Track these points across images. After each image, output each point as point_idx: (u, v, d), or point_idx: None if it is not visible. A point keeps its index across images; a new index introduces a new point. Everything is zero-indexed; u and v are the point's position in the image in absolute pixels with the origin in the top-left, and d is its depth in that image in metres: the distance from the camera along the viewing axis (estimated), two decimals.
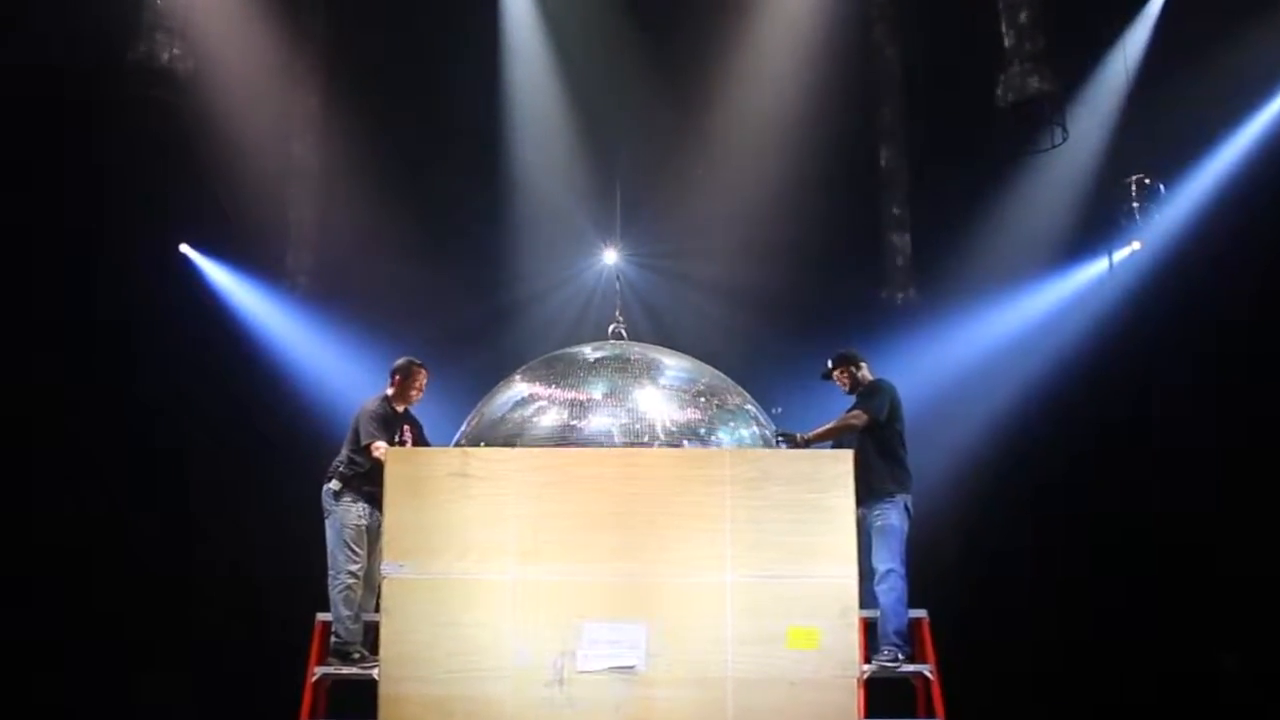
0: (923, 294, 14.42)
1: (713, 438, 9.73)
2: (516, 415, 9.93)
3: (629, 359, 10.29)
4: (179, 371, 13.29)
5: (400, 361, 10.15)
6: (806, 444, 9.72)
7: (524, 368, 10.55)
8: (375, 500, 9.40)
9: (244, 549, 13.01)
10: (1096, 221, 14.02)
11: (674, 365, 10.42)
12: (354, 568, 9.56)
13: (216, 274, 14.32)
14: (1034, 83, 12.40)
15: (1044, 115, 12.68)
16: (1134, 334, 13.35)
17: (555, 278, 14.67)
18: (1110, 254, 14.17)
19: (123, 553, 12.80)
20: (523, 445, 9.55)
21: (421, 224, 14.21)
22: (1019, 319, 14.17)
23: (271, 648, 11.03)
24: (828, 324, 13.28)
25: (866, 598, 9.23)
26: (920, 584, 9.71)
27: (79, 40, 12.57)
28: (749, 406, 10.29)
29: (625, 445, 9.44)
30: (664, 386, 10.04)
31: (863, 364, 10.22)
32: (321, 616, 9.63)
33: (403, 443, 9.86)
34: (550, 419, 9.78)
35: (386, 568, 8.78)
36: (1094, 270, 14.29)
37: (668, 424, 9.71)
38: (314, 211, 14.56)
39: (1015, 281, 14.21)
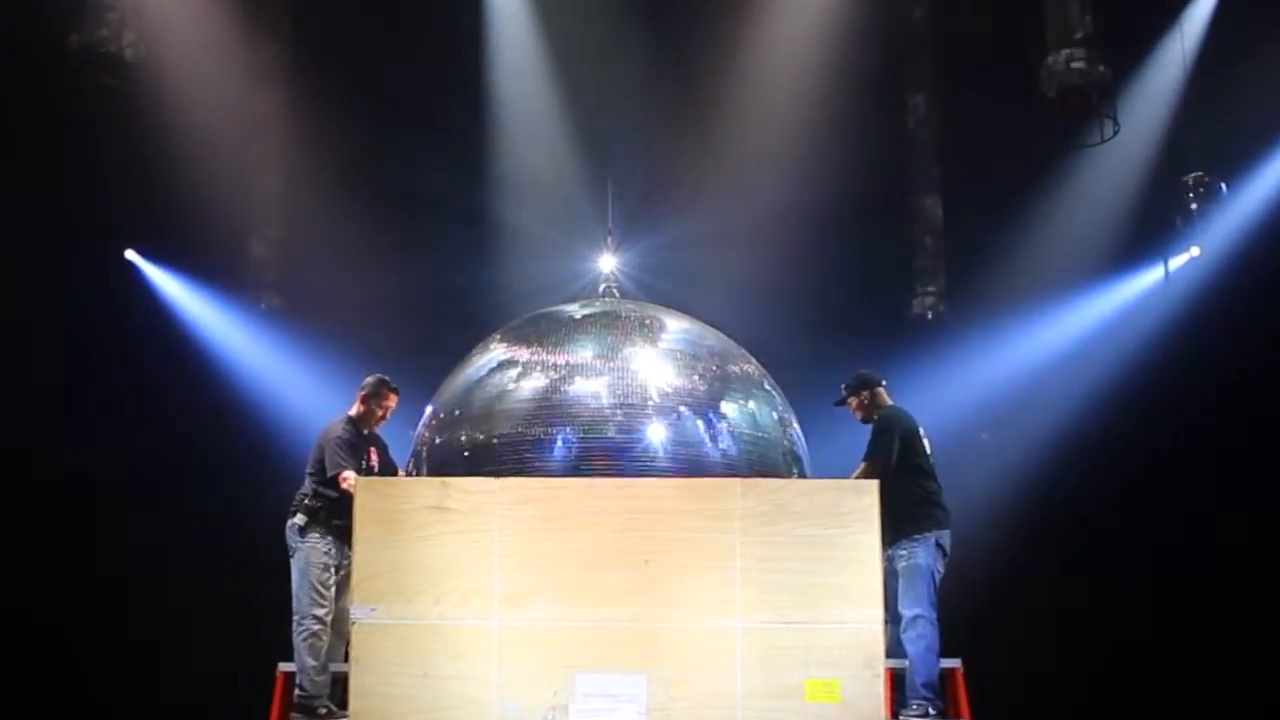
0: (954, 306, 14.42)
1: (717, 407, 9.71)
2: (494, 380, 9.91)
3: (620, 316, 10.27)
4: (122, 393, 13.28)
5: (370, 380, 10.12)
6: None
7: (503, 328, 10.56)
8: (346, 536, 9.34)
9: (196, 591, 12.99)
10: (1151, 224, 14.03)
11: (674, 325, 10.38)
12: (320, 612, 9.50)
13: (166, 283, 14.32)
14: (1081, 69, 12.41)
15: (1092, 105, 12.68)
16: (1193, 351, 13.33)
17: (542, 288, 14.66)
18: (1166, 261, 14.18)
19: (58, 591, 12.79)
20: (501, 412, 9.58)
21: (397, 230, 14.21)
22: (1062, 335, 14.18)
23: (228, 701, 11.01)
24: (848, 340, 13.19)
25: (893, 646, 9.22)
26: (952, 630, 9.69)
27: (15, 21, 12.58)
28: (760, 376, 10.24)
29: (614, 408, 9.45)
30: (662, 348, 10.01)
31: (879, 388, 10.10)
32: (284, 667, 9.58)
33: (370, 468, 9.86)
34: (531, 384, 9.76)
35: (356, 612, 8.75)
36: (1148, 280, 14.31)
37: (664, 388, 9.68)
38: (278, 215, 14.56)
39: (1058, 292, 14.22)
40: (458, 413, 9.82)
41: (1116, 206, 14.16)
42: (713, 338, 10.42)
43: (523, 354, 10.02)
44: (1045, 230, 14.20)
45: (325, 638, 9.50)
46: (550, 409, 9.52)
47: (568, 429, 9.48)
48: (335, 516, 9.54)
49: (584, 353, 9.87)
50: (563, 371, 9.76)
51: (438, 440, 9.92)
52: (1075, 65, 12.37)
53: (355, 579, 8.85)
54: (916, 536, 9.54)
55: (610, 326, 10.13)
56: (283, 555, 9.76)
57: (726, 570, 8.74)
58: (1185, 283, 13.97)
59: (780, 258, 14.18)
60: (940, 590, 9.58)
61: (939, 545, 9.62)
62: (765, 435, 9.86)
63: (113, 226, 13.94)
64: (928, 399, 10.31)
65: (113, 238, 14.10)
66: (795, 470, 10.12)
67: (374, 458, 10.00)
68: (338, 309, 14.08)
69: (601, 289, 11.12)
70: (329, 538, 9.58)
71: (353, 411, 10.02)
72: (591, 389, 9.66)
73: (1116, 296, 14.31)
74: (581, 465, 9.49)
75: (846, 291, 14.14)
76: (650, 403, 9.58)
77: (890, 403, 10.07)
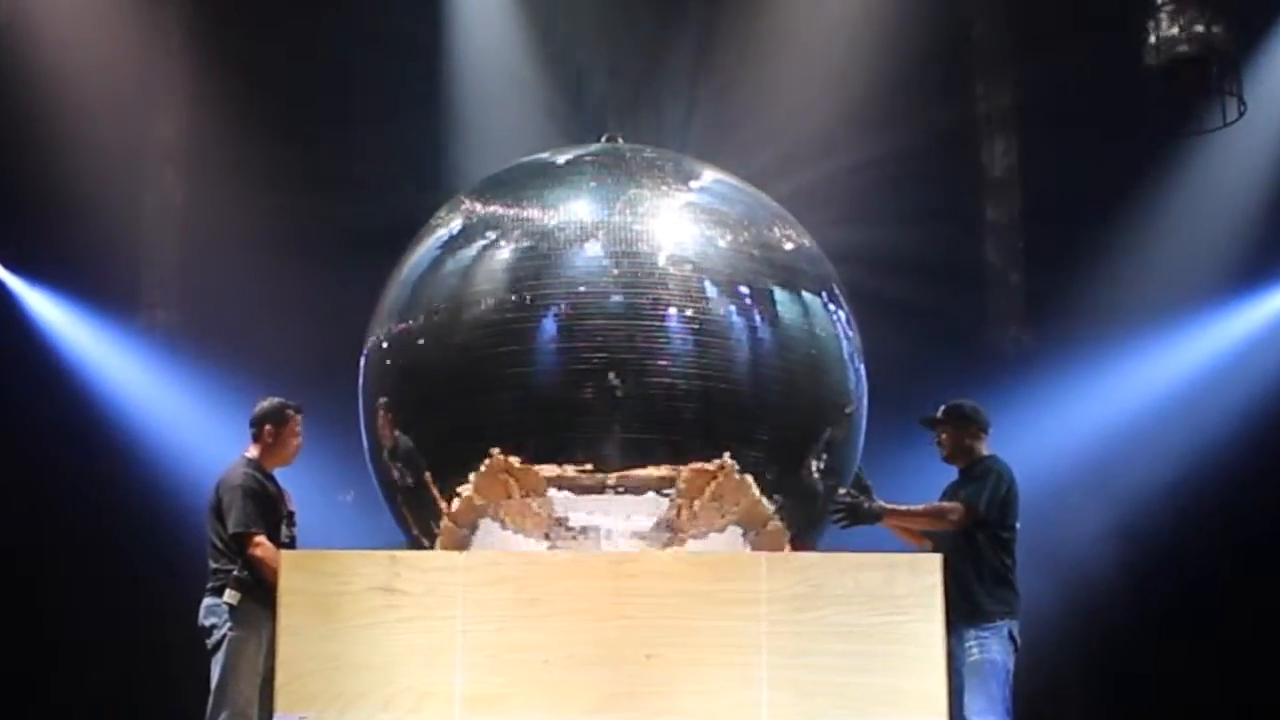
0: (1039, 334, 14.46)
1: (760, 290, 9.43)
2: (459, 256, 9.64)
3: (625, 158, 10.06)
4: None
5: (269, 406, 10.11)
6: (877, 519, 9.73)
7: (477, 182, 10.47)
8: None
9: (78, 677, 13.02)
10: None
11: (704, 175, 10.13)
12: None
13: (40, 304, 14.37)
14: (1198, 35, 12.45)
15: (1212, 81, 12.74)
16: None
17: None
18: None
19: None
20: (469, 296, 9.37)
21: (322, 236, 14.24)
22: (1173, 369, 14.17)
23: None
24: (912, 374, 13.04)
25: None
26: None
27: None
28: (810, 247, 10.09)
29: (617, 259, 9.30)
30: (682, 200, 9.73)
31: (983, 433, 10.27)
32: None
33: (291, 517, 9.83)
34: (506, 255, 9.48)
35: None
36: None
37: (684, 241, 9.41)
38: (178, 220, 14.63)
39: (1168, 317, 14.23)
40: (425, 288, 9.64)
41: (1242, 208, 14.15)
42: (754, 200, 10.16)
43: (495, 212, 9.77)
44: (1151, 239, 14.21)
45: None
46: (537, 269, 9.29)
47: (560, 293, 9.25)
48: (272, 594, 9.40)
49: (578, 201, 9.62)
50: (551, 224, 9.49)
51: (400, 326, 9.65)
52: (1191, 29, 12.41)
53: (280, 679, 8.79)
54: (988, 625, 9.57)
55: (612, 169, 9.90)
56: (179, 634, 9.71)
57: (749, 668, 8.73)
58: None
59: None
60: (1015, 689, 9.63)
61: (1011, 636, 9.67)
62: (811, 317, 9.64)
63: None
64: (1004, 446, 10.31)
65: None
66: (852, 365, 9.94)
67: (292, 503, 9.95)
68: (244, 330, 14.05)
69: (604, 138, 10.67)
70: (269, 625, 9.26)
71: (253, 452, 9.96)
72: (588, 244, 9.38)
73: (1241, 323, 14.27)
74: (575, 329, 9.16)
75: (904, 316, 14.05)
76: (662, 254, 9.32)
77: (989, 453, 10.20)
